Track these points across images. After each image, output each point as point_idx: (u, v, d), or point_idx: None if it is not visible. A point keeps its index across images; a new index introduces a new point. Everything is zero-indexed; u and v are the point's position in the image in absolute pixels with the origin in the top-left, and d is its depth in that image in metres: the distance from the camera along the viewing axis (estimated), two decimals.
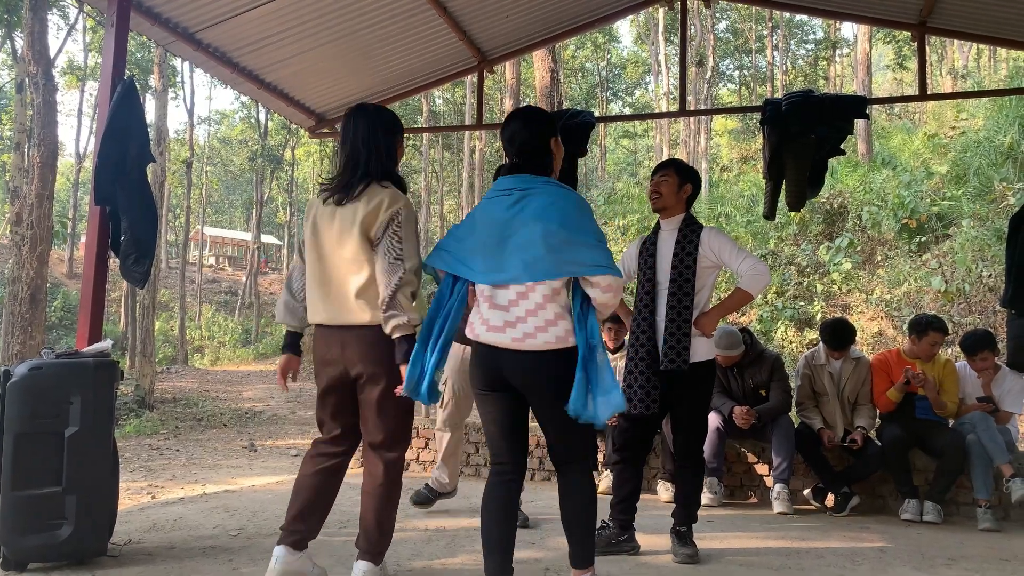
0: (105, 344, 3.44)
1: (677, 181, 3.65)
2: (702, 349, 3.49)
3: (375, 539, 2.84)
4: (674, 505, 3.60)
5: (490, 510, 2.61)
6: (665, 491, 5.04)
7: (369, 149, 2.86)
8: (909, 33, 5.73)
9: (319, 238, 2.87)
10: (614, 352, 5.39)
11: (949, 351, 10.15)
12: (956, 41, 24.94)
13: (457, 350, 4.32)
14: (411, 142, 36.46)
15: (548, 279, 2.50)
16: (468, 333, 2.65)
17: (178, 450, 9.20)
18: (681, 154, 19.37)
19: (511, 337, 2.52)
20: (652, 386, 3.48)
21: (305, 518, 2.87)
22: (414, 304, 2.77)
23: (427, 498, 4.41)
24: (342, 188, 2.85)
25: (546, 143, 2.71)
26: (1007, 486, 4.35)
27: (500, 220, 2.57)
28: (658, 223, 3.73)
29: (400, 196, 2.84)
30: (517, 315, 2.52)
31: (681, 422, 3.56)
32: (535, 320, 2.51)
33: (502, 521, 2.61)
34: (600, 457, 5.29)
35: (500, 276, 2.53)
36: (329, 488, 2.96)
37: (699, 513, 3.63)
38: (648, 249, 3.67)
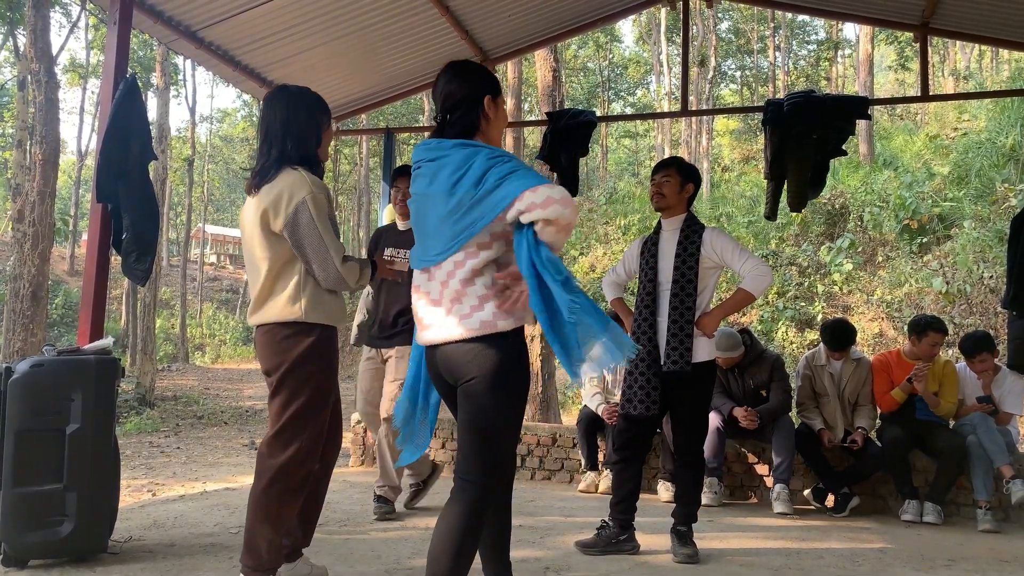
0: (106, 341, 3.44)
1: (679, 180, 3.64)
2: (704, 350, 3.49)
3: (243, 551, 2.62)
4: (674, 505, 3.60)
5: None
6: (665, 491, 5.04)
7: (286, 131, 2.67)
8: (911, 34, 5.73)
9: (243, 233, 2.78)
10: None
11: (949, 352, 10.16)
12: (958, 42, 24.92)
13: (367, 353, 4.44)
14: (412, 141, 36.48)
15: (469, 251, 2.13)
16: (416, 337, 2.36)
17: (179, 448, 9.21)
18: (683, 154, 19.37)
19: (440, 333, 2.17)
20: (652, 387, 3.49)
21: (290, 531, 2.79)
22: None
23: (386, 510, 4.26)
24: (256, 174, 2.68)
25: (477, 100, 2.26)
26: (1007, 487, 4.35)
27: (418, 199, 2.26)
28: (659, 223, 3.72)
29: (304, 183, 2.60)
30: (446, 308, 2.16)
31: (683, 422, 3.56)
32: (460, 307, 2.13)
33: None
34: (600, 457, 5.30)
35: (430, 255, 2.20)
36: (312, 497, 2.88)
37: (699, 513, 3.63)
38: (649, 249, 3.67)
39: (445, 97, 2.26)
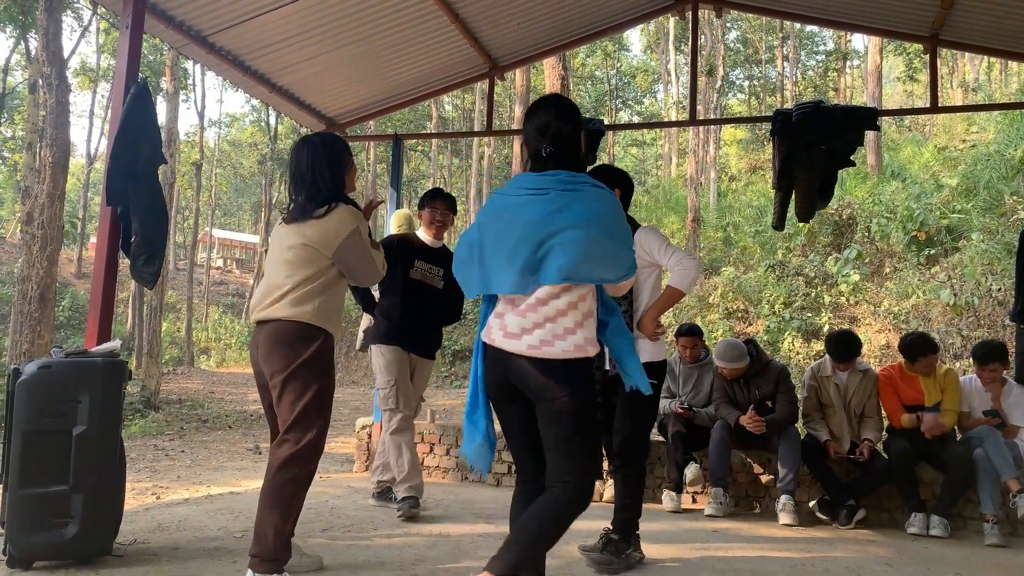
0: (114, 344, 3.45)
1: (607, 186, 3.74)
2: (647, 351, 3.48)
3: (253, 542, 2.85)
4: (678, 512, 3.56)
5: (516, 514, 2.51)
6: (670, 500, 5.02)
7: (313, 176, 3.09)
8: (920, 45, 5.73)
9: (274, 249, 3.15)
10: (692, 363, 5.40)
11: (957, 364, 10.11)
12: (967, 54, 24.90)
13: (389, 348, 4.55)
14: (420, 147, 36.56)
15: (579, 285, 2.37)
16: (484, 337, 2.50)
17: (183, 451, 9.21)
18: (690, 163, 19.35)
19: (527, 344, 2.35)
20: (600, 390, 3.55)
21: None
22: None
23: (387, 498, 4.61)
24: (293, 210, 3.10)
25: (579, 137, 2.52)
26: (1013, 502, 4.32)
27: (534, 221, 2.35)
28: None
29: (354, 215, 3.06)
30: (535, 320, 2.36)
31: (625, 424, 3.53)
32: (553, 327, 2.34)
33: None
34: (605, 465, 5.28)
35: (528, 281, 2.35)
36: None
37: (705, 523, 3.60)
38: None
39: (556, 134, 2.45)
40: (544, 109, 2.51)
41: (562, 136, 2.46)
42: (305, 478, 2.88)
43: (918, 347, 4.80)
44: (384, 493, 4.66)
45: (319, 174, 3.06)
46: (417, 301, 4.54)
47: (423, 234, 4.71)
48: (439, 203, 4.66)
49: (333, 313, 3.03)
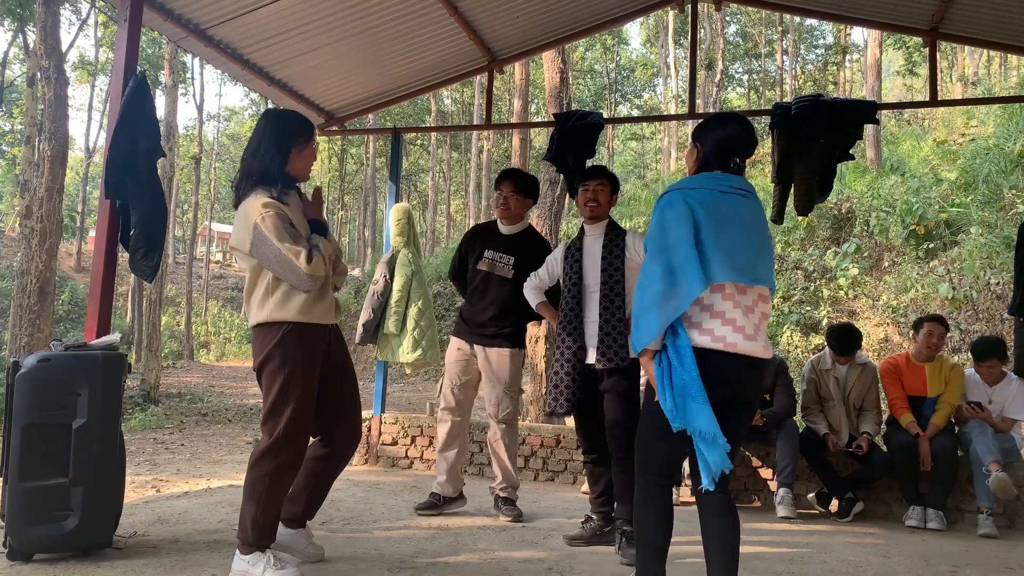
0: (113, 337, 3.46)
1: (610, 189, 3.85)
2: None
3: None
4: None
5: (657, 516, 2.54)
6: None
7: (252, 154, 2.98)
8: (920, 39, 5.72)
9: None
10: None
11: (956, 358, 10.13)
12: (967, 48, 24.86)
13: (456, 343, 4.42)
14: (419, 141, 36.52)
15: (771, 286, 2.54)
16: (710, 342, 2.38)
17: (183, 444, 9.22)
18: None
19: (762, 345, 2.43)
20: (577, 386, 3.63)
21: (294, 500, 3.13)
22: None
23: (431, 504, 4.37)
24: (234, 197, 3.03)
25: None
26: (988, 477, 4.34)
27: (749, 220, 2.48)
28: (582, 229, 3.89)
29: (254, 207, 2.86)
30: (756, 322, 2.43)
31: (617, 416, 3.58)
32: (763, 332, 2.46)
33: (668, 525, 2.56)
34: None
35: (751, 276, 2.42)
36: (322, 477, 3.20)
37: None
38: (574, 255, 3.82)
39: (746, 148, 2.60)
40: (733, 122, 2.61)
41: (749, 152, 2.63)
42: (277, 470, 2.86)
43: (929, 317, 4.91)
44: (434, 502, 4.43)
45: (256, 155, 2.96)
46: (484, 292, 4.34)
47: (499, 222, 4.47)
48: (503, 185, 4.40)
49: (296, 301, 2.88)
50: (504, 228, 4.43)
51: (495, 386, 4.30)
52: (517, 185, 4.39)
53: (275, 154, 2.96)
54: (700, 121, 2.79)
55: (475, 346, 4.37)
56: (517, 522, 4.22)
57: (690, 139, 2.70)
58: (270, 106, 4.74)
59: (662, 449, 2.51)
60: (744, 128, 2.59)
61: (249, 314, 2.98)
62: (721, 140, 2.56)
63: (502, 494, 4.36)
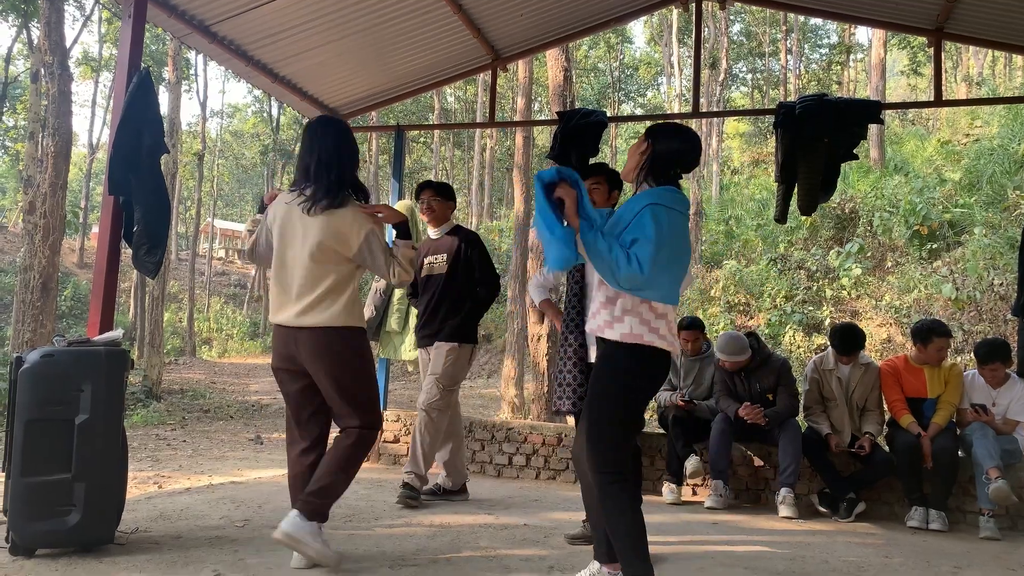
0: (116, 333, 3.46)
1: (607, 188, 3.82)
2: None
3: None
4: (679, 504, 3.61)
5: (640, 515, 2.65)
6: (670, 492, 5.04)
7: (340, 158, 3.16)
8: (924, 39, 5.71)
9: (291, 240, 3.19)
10: (693, 356, 5.39)
11: (959, 359, 10.11)
12: (971, 48, 24.79)
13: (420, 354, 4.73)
14: (422, 139, 36.50)
15: None
16: (637, 339, 2.66)
17: (185, 441, 9.24)
18: None
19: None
20: (579, 383, 3.60)
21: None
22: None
23: (423, 492, 4.56)
24: (316, 195, 3.11)
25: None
26: (988, 485, 4.33)
27: (687, 244, 2.78)
28: None
29: (367, 216, 3.18)
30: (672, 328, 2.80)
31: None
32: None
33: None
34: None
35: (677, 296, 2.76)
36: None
37: (705, 516, 3.63)
38: None
39: (693, 163, 2.84)
40: (684, 134, 2.80)
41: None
42: (370, 446, 3.26)
43: (932, 327, 4.85)
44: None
45: (343, 162, 3.14)
46: (429, 295, 4.67)
47: (429, 229, 4.84)
48: (424, 194, 4.76)
49: (360, 309, 3.25)
50: (434, 233, 4.77)
51: (428, 376, 4.59)
52: (436, 191, 4.75)
53: (355, 161, 3.22)
54: (658, 122, 2.99)
55: (426, 350, 4.72)
56: (407, 507, 4.36)
57: (644, 134, 2.86)
58: (273, 103, 4.78)
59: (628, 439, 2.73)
60: (695, 147, 2.82)
61: (326, 314, 3.08)
62: (674, 151, 2.76)
63: (405, 477, 4.48)
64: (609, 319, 2.69)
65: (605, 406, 2.65)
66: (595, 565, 2.87)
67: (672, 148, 2.75)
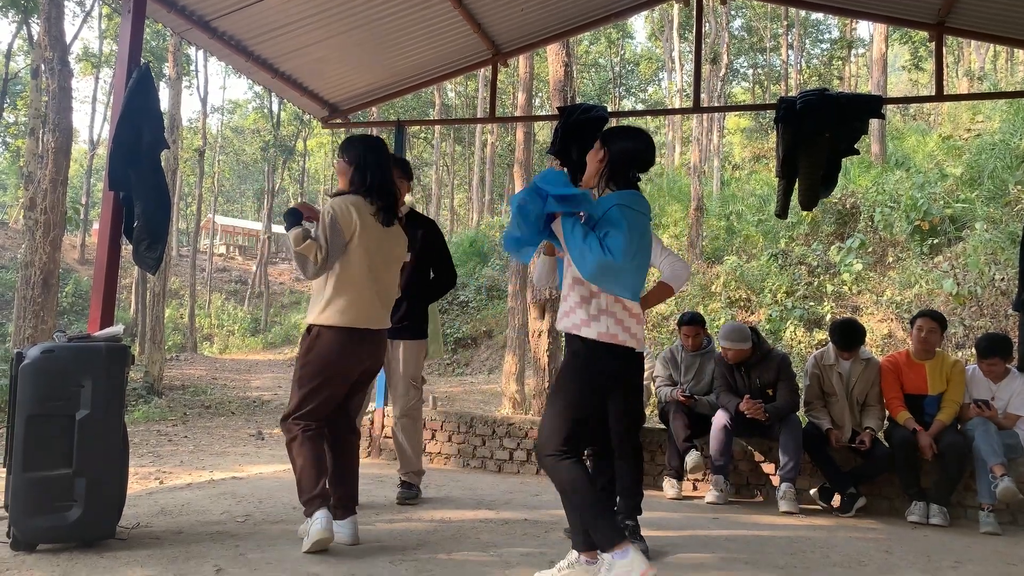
0: (117, 328, 3.46)
1: None
2: None
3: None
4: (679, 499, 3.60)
5: (592, 486, 2.76)
6: (671, 487, 5.04)
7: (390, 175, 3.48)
8: (926, 34, 5.70)
9: (380, 255, 3.41)
10: (694, 352, 5.39)
11: (960, 354, 10.11)
12: (973, 42, 24.75)
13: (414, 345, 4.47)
14: (423, 135, 36.47)
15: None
16: (613, 339, 2.74)
17: (186, 437, 9.25)
18: (693, 152, 19.24)
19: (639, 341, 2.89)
20: None
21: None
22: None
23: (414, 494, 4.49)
24: (392, 209, 3.43)
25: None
26: (995, 484, 4.33)
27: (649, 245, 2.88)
28: None
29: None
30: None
31: (626, 412, 3.58)
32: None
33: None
34: None
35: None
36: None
37: (706, 511, 3.63)
38: None
39: (648, 164, 2.98)
40: (642, 137, 2.95)
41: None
42: None
43: (921, 312, 4.95)
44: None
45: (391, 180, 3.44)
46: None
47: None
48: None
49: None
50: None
51: (402, 379, 4.44)
52: (403, 170, 4.38)
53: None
54: (611, 128, 3.09)
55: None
56: (409, 506, 4.37)
57: (598, 140, 2.95)
58: (274, 99, 4.81)
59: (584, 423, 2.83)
60: (648, 146, 2.94)
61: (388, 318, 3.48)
62: (629, 152, 2.88)
63: (403, 477, 4.48)
64: (585, 318, 2.74)
65: (569, 399, 2.73)
66: (573, 554, 2.89)
67: (627, 149, 2.87)
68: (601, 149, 2.91)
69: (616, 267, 2.63)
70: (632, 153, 2.87)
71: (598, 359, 2.74)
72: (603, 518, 2.64)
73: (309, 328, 3.32)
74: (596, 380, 2.76)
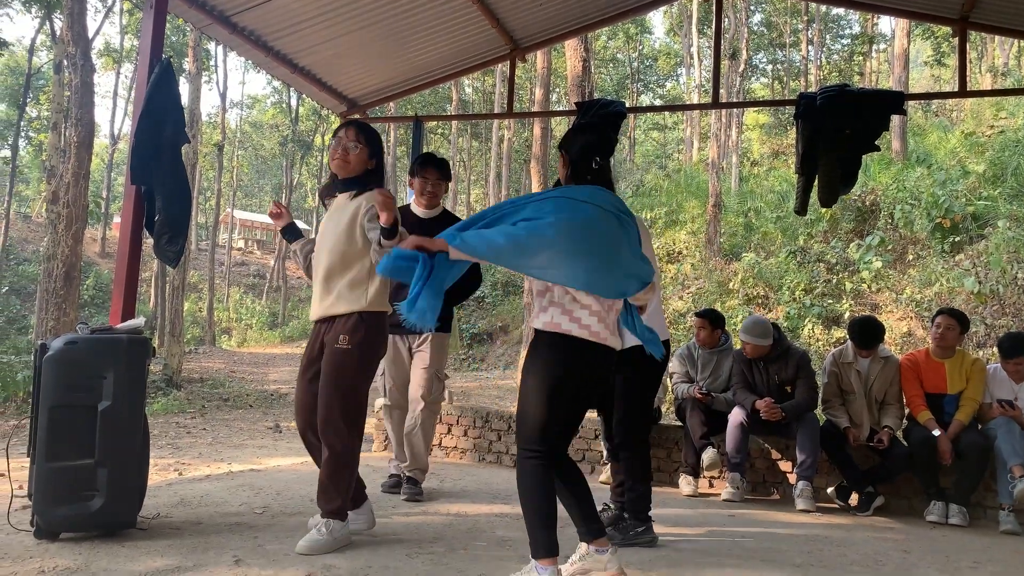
0: (138, 321, 3.50)
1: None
2: (631, 336, 3.49)
3: None
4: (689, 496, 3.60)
5: (552, 487, 2.71)
6: (687, 484, 5.03)
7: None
8: (948, 29, 5.63)
9: None
10: (711, 349, 5.37)
11: (981, 353, 10.00)
12: (997, 38, 24.42)
13: (393, 341, 4.38)
14: (440, 130, 36.51)
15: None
16: (578, 332, 2.68)
17: (204, 429, 9.34)
18: (711, 148, 19.14)
19: (622, 340, 2.88)
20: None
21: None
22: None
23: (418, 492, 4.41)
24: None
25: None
26: (1013, 485, 4.28)
27: (615, 237, 2.72)
28: None
29: None
30: (614, 320, 2.82)
31: (623, 407, 3.63)
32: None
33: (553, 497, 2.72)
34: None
35: (621, 290, 2.75)
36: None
37: (722, 508, 3.62)
38: None
39: (609, 153, 2.95)
40: (610, 124, 3.03)
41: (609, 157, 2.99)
42: None
43: (941, 310, 4.89)
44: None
45: None
46: None
47: (415, 206, 4.43)
48: (430, 171, 4.37)
49: None
50: (423, 213, 4.39)
51: (425, 369, 4.37)
52: (442, 174, 4.39)
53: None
54: (566, 132, 3.06)
55: (404, 338, 4.43)
56: (416, 503, 4.31)
57: (559, 150, 2.97)
58: (292, 94, 4.83)
59: (560, 422, 2.74)
60: (600, 131, 2.98)
61: None
62: (587, 146, 2.89)
63: (409, 473, 4.41)
64: (538, 310, 2.78)
65: (529, 391, 2.71)
66: (583, 547, 2.87)
67: (584, 145, 2.87)
68: (562, 157, 2.95)
69: (522, 241, 2.48)
70: (589, 145, 2.88)
71: (544, 347, 2.72)
72: (544, 528, 2.63)
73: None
74: (549, 371, 2.68)
